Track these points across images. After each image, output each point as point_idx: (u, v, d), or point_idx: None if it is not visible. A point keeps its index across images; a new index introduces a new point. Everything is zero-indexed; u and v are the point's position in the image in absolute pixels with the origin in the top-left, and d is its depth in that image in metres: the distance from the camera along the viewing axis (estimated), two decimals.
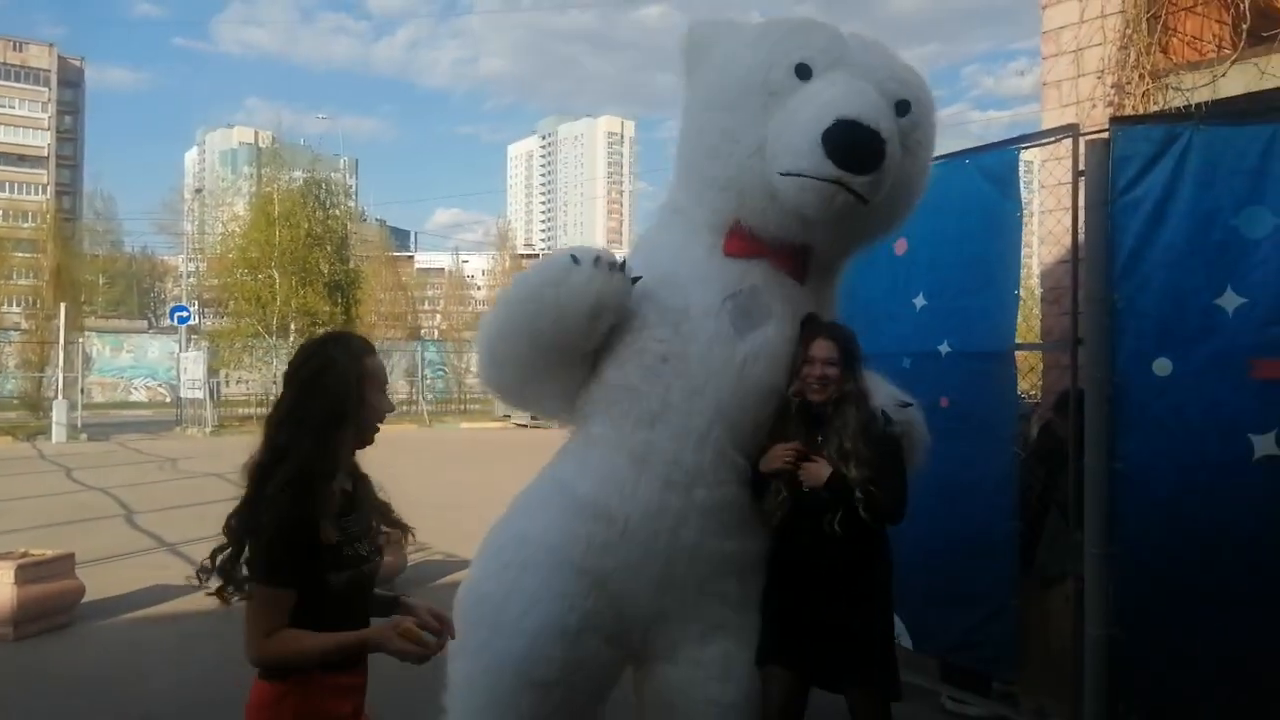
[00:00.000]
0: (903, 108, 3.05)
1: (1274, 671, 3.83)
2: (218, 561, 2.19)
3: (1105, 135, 4.12)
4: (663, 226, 3.49)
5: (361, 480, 2.39)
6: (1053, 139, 4.51)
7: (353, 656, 2.22)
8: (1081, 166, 4.18)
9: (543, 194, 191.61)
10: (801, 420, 3.17)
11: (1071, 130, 4.33)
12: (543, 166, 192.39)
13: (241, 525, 2.18)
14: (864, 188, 2.84)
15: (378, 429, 2.34)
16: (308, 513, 2.13)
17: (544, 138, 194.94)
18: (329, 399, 2.20)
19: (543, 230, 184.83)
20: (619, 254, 3.17)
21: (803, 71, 2.97)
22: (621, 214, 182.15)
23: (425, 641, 2.17)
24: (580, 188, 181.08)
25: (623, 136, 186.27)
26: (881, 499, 3.09)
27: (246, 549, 2.18)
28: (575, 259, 2.96)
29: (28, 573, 6.25)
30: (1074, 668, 4.25)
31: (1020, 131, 4.75)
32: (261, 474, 2.18)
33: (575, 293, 2.92)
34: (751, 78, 3.01)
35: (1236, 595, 3.91)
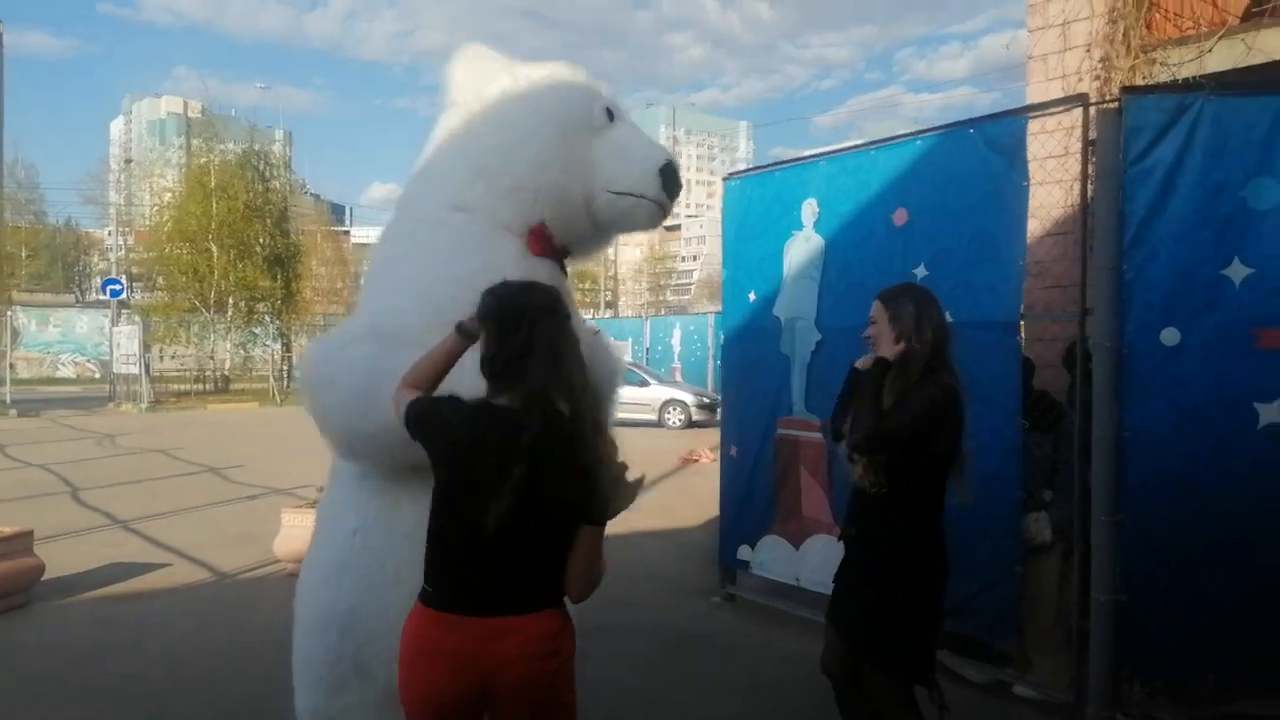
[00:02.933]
0: None
1: (1278, 638, 3.92)
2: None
3: (1117, 105, 4.13)
4: (439, 225, 3.51)
5: None
6: (1062, 108, 4.49)
7: None
8: (1091, 135, 4.19)
9: None
10: (872, 379, 3.27)
11: (1081, 99, 4.32)
12: None
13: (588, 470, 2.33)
14: (670, 209, 3.70)
15: None
16: None
17: None
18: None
19: None
20: None
21: (610, 114, 3.63)
22: None
23: None
24: None
25: None
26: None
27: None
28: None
29: None
30: (1076, 634, 4.31)
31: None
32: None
33: None
34: (576, 112, 3.58)
35: (1240, 562, 3.99)
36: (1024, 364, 5.25)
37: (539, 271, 3.29)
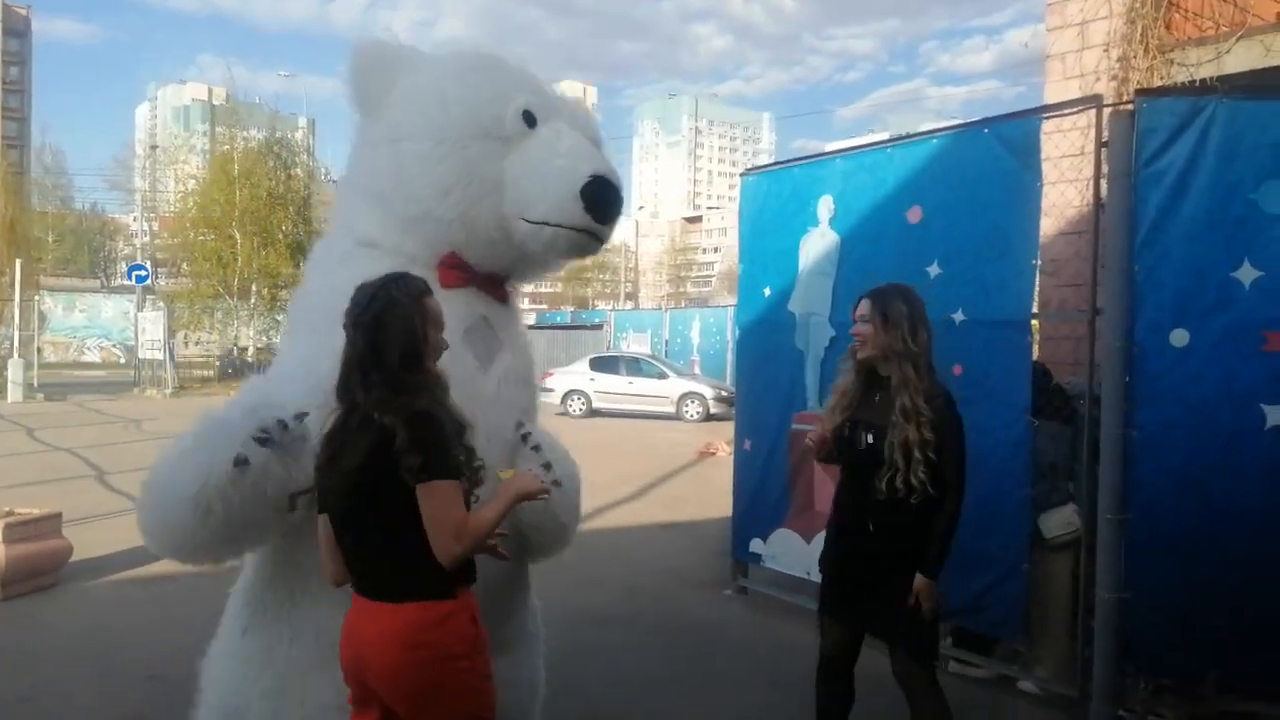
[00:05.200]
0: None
1: None
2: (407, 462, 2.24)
3: (1130, 107, 4.16)
4: (348, 261, 3.16)
5: None
6: (1076, 109, 4.53)
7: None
8: (1105, 137, 4.22)
9: None
10: (863, 381, 3.41)
11: (1095, 101, 4.36)
12: None
13: (404, 437, 2.23)
14: (606, 234, 3.14)
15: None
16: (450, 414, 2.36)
17: None
18: (400, 340, 2.36)
19: None
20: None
21: (529, 119, 3.10)
22: None
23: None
24: None
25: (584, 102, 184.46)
26: (940, 466, 3.20)
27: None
28: (244, 460, 2.60)
29: (15, 532, 6.14)
30: (1081, 631, 4.36)
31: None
32: (375, 398, 2.31)
33: (260, 492, 2.64)
34: (479, 119, 3.07)
35: (1245, 561, 4.03)
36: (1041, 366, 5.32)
37: (453, 309, 2.89)
